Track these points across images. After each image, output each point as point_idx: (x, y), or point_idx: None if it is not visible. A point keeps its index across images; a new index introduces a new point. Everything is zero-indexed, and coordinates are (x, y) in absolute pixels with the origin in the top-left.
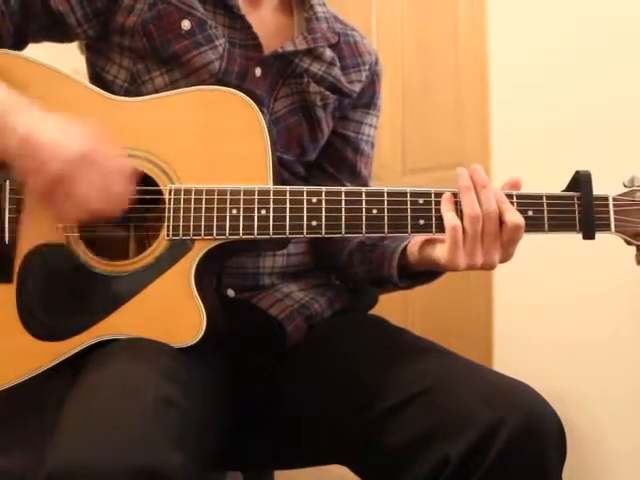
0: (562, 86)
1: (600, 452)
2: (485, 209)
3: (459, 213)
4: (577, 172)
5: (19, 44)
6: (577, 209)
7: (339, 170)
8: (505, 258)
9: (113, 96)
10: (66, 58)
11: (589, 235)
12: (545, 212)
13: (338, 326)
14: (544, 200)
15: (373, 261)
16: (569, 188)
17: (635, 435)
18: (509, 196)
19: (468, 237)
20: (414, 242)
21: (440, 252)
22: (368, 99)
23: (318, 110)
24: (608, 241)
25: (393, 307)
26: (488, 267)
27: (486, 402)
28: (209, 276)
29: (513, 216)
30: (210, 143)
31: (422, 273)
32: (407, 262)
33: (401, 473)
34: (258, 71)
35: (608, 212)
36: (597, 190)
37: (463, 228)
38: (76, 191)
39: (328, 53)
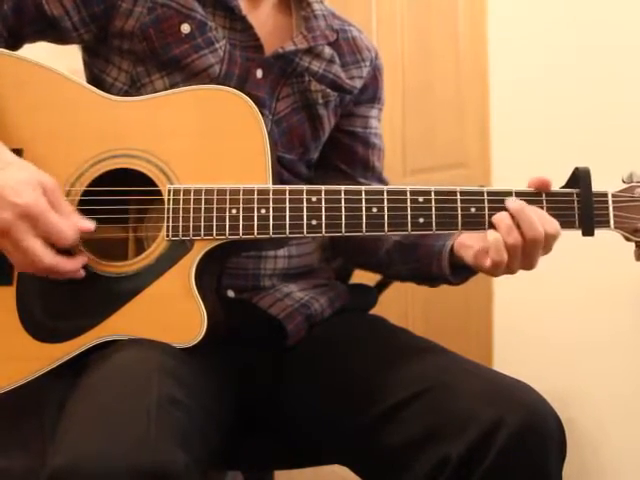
0: (562, 86)
1: (601, 451)
2: (530, 236)
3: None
4: (576, 168)
5: (13, 46)
6: (576, 205)
7: (352, 167)
8: (544, 254)
9: (111, 96)
10: (64, 58)
11: (588, 232)
12: (544, 209)
13: (338, 326)
14: (543, 197)
15: (418, 259)
16: (568, 185)
17: (636, 434)
18: (509, 193)
19: (509, 260)
20: (460, 245)
21: (485, 265)
22: (372, 94)
23: (320, 108)
24: (608, 239)
25: (393, 307)
26: (527, 270)
27: (486, 402)
28: (209, 276)
29: (551, 227)
30: (209, 142)
31: (472, 269)
32: (455, 260)
33: (401, 473)
34: (259, 73)
35: (607, 208)
36: (596, 187)
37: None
38: (22, 244)
39: (327, 51)
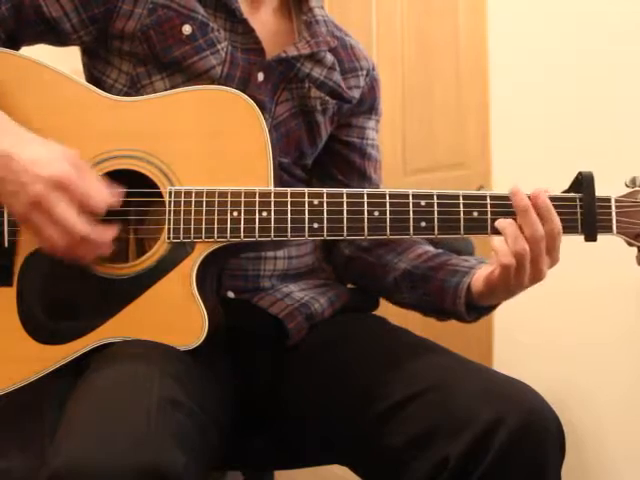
0: (562, 86)
1: (600, 452)
2: (530, 235)
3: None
4: (580, 173)
5: (11, 49)
6: (579, 211)
7: (349, 177)
8: (552, 265)
9: (112, 96)
10: (65, 59)
11: (591, 237)
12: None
13: (338, 326)
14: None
15: (430, 293)
16: (571, 188)
17: (635, 435)
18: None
19: (517, 268)
20: (476, 279)
21: (494, 275)
22: (369, 105)
23: (318, 115)
24: (610, 240)
25: (393, 307)
26: (537, 282)
27: (485, 401)
28: (210, 277)
29: (550, 227)
30: (210, 143)
31: (486, 307)
32: (472, 298)
33: (401, 473)
34: (260, 76)
35: (610, 214)
36: (598, 189)
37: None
38: (56, 213)
39: (329, 57)
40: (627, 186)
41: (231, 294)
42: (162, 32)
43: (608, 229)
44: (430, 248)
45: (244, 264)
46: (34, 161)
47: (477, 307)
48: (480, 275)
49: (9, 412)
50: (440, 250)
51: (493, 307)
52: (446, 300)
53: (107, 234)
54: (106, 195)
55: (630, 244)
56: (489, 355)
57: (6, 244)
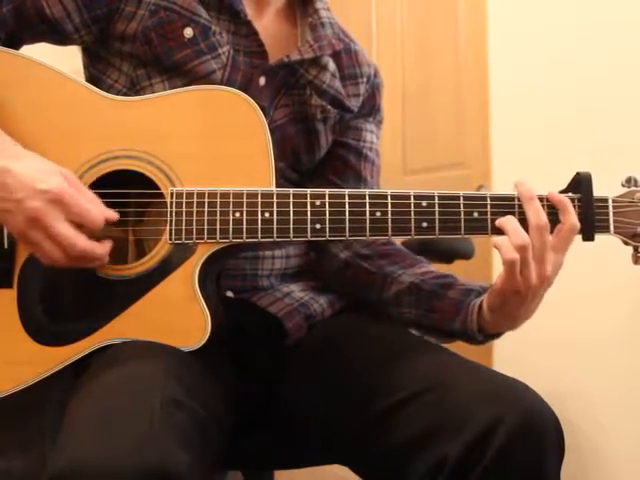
0: (562, 86)
1: (599, 452)
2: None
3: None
4: (578, 173)
5: (11, 48)
6: (577, 211)
7: (344, 179)
8: (558, 266)
9: (112, 95)
10: (65, 59)
11: (589, 237)
12: (546, 214)
13: (338, 325)
14: (545, 202)
15: (438, 310)
16: (569, 189)
17: (635, 435)
18: (511, 199)
19: (522, 264)
20: (487, 296)
21: (500, 278)
22: (368, 109)
23: (318, 123)
24: (606, 239)
25: None
26: (545, 282)
27: (484, 401)
28: (211, 278)
29: (569, 218)
30: (211, 144)
31: (496, 334)
32: (483, 316)
33: (401, 472)
34: (262, 80)
35: (607, 214)
36: (599, 188)
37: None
38: (54, 229)
39: (332, 64)
40: (623, 186)
41: (230, 294)
42: (163, 35)
43: (605, 229)
44: (435, 269)
45: (242, 264)
46: (28, 176)
47: (488, 334)
48: (489, 292)
49: (9, 412)
50: (446, 272)
51: (501, 333)
52: (455, 319)
53: (104, 248)
54: (103, 210)
55: (626, 243)
56: (489, 355)
57: (6, 245)
